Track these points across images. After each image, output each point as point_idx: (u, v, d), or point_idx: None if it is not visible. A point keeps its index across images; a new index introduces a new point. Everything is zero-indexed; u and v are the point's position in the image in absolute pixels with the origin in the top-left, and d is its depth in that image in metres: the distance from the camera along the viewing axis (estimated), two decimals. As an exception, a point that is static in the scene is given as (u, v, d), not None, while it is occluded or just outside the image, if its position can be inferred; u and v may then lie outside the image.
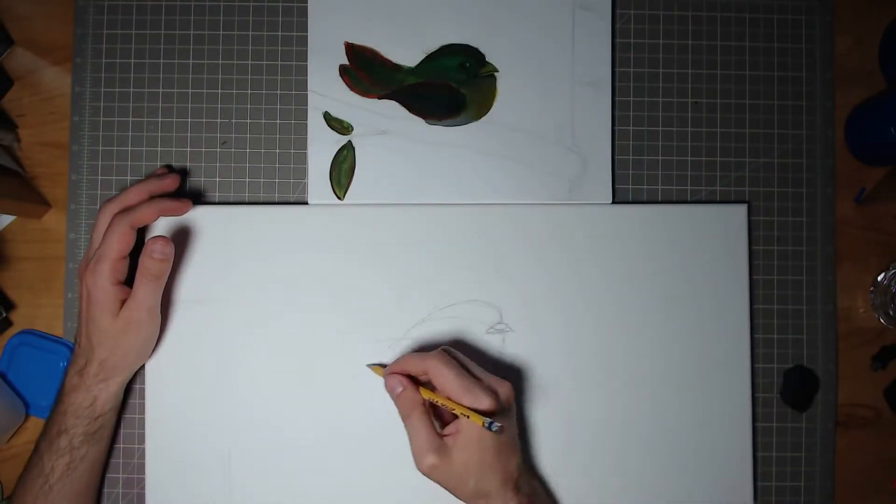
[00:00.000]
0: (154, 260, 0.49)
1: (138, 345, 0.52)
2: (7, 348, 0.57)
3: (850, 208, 0.59)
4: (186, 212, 0.55)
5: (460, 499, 0.48)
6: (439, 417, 0.50)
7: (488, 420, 0.45)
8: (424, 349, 0.55)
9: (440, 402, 0.48)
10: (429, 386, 0.50)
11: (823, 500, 0.57)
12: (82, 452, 0.51)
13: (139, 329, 0.50)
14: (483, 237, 0.56)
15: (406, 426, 0.48)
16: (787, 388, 0.57)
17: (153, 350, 0.54)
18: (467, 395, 0.46)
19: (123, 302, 0.50)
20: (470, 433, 0.46)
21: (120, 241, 0.49)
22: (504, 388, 0.48)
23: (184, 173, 0.57)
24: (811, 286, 0.58)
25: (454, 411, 0.47)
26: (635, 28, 0.59)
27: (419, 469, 0.47)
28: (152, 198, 0.53)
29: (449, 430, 0.48)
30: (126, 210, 0.51)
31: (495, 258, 0.56)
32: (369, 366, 0.55)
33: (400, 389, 0.49)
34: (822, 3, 0.59)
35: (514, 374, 0.55)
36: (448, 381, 0.47)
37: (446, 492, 0.48)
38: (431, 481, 0.48)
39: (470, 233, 0.56)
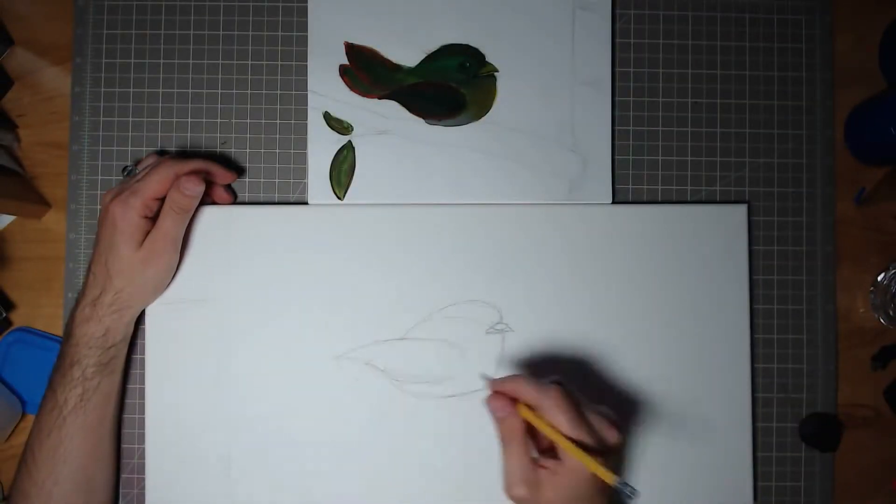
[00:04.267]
0: (184, 196, 0.51)
1: (157, 277, 0.53)
2: (2, 346, 0.57)
3: (850, 208, 0.59)
4: (231, 181, 0.56)
5: None
6: (533, 436, 0.47)
7: (621, 481, 0.42)
8: (424, 348, 0.55)
9: (554, 438, 0.44)
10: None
11: (823, 500, 0.57)
12: (95, 383, 0.51)
13: (160, 260, 0.52)
14: (483, 237, 0.56)
15: (502, 450, 0.45)
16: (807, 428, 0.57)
17: (166, 286, 0.55)
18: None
19: (146, 235, 0.51)
20: (569, 476, 0.43)
21: (160, 184, 0.51)
22: (614, 436, 0.45)
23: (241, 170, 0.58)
24: (811, 286, 0.58)
25: (569, 452, 0.43)
26: (635, 28, 0.59)
27: (507, 495, 0.45)
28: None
29: (548, 463, 0.44)
30: (175, 159, 0.53)
31: (495, 258, 0.56)
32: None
33: (504, 414, 0.46)
34: (822, 3, 0.59)
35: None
36: (561, 426, 0.44)
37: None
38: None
39: (470, 233, 0.56)
